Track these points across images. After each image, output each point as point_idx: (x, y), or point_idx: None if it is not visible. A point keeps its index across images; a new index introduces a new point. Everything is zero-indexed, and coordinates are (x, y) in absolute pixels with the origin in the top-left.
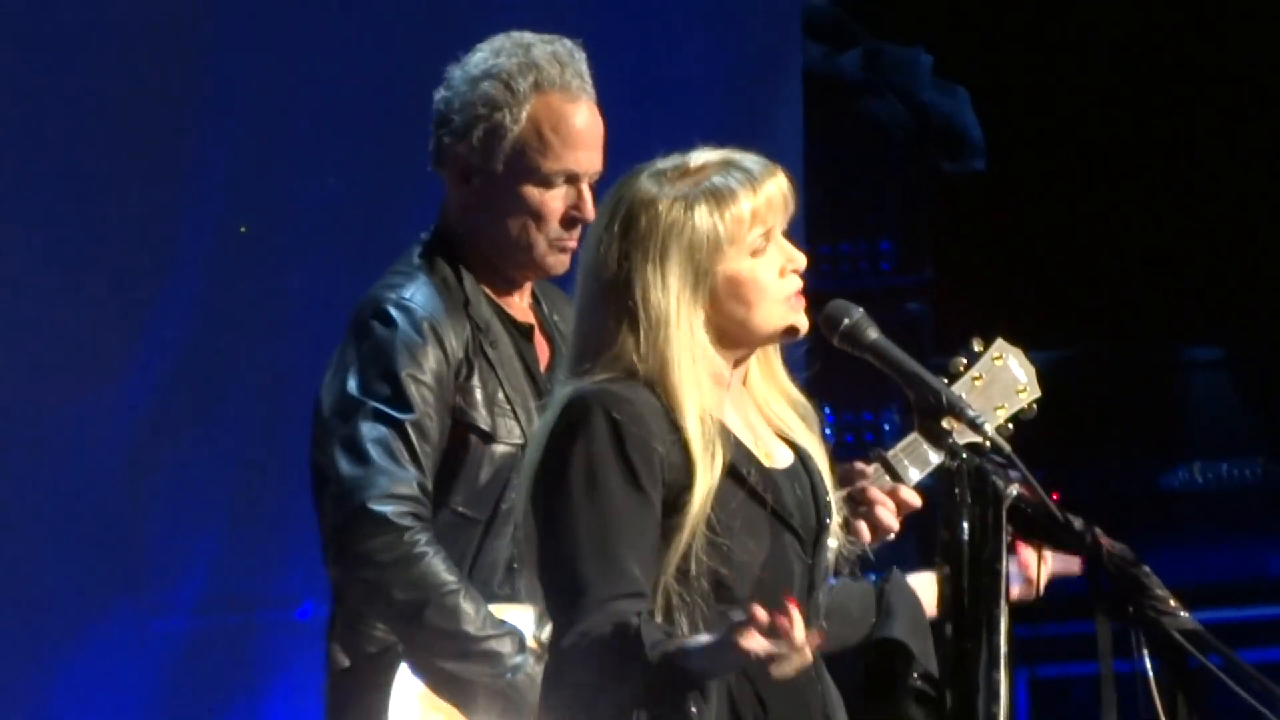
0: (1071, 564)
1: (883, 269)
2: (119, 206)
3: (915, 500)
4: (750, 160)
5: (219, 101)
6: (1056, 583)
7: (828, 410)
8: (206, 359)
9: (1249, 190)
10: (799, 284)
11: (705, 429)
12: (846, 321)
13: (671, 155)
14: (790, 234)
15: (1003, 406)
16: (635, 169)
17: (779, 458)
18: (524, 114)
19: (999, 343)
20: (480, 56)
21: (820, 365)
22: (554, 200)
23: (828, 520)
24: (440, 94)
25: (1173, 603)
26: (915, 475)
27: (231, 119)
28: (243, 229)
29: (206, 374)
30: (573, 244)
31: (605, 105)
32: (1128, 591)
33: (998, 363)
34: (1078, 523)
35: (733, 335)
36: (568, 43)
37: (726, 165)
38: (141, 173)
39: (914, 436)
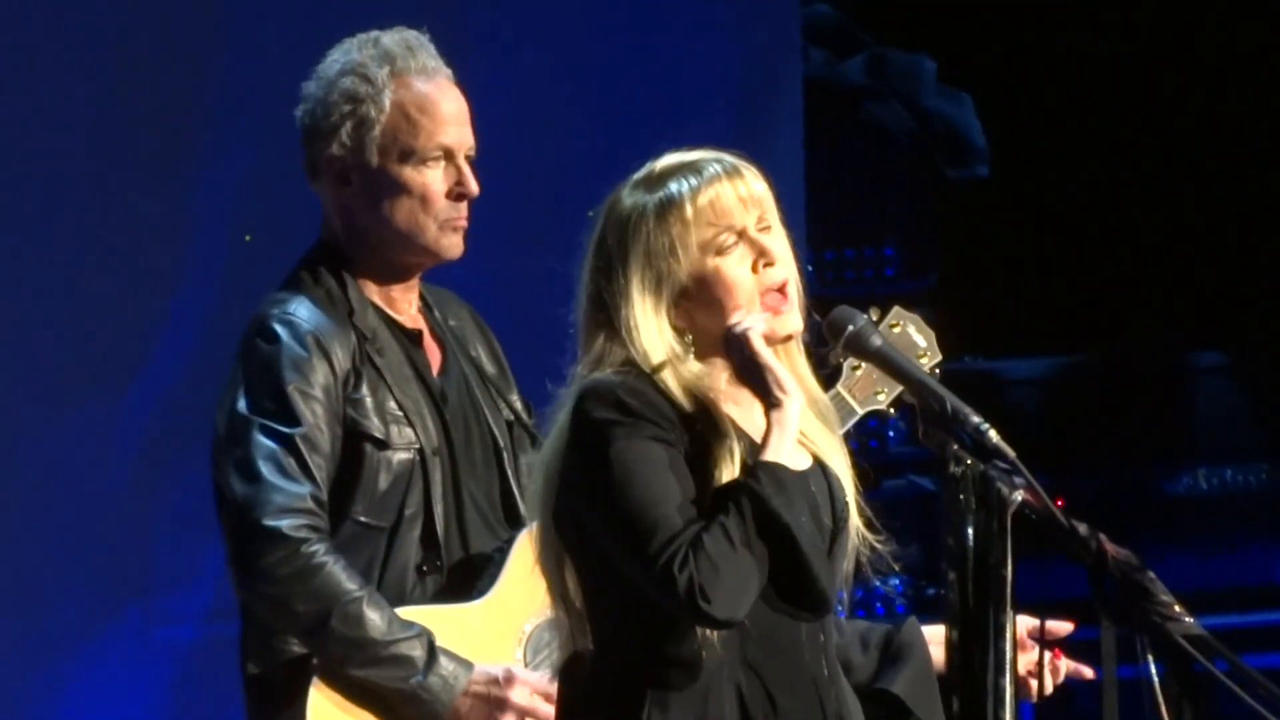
0: (1083, 670)
1: (887, 275)
2: (128, 215)
3: None
4: (709, 162)
5: (227, 110)
6: (1062, 589)
7: None
8: (215, 367)
9: (1255, 197)
10: (778, 277)
11: (705, 415)
12: (851, 329)
13: (649, 164)
14: (793, 238)
15: None
16: (621, 182)
17: (795, 460)
18: (387, 101)
19: (896, 309)
20: (331, 59)
21: (824, 366)
22: (435, 180)
23: (844, 524)
24: (301, 109)
25: (1177, 608)
26: None
27: (239, 127)
28: (248, 238)
29: (215, 383)
30: (463, 222)
31: (607, 111)
32: (1132, 597)
33: (895, 330)
34: (1082, 528)
35: (718, 336)
36: (413, 31)
37: (682, 170)
38: (149, 182)
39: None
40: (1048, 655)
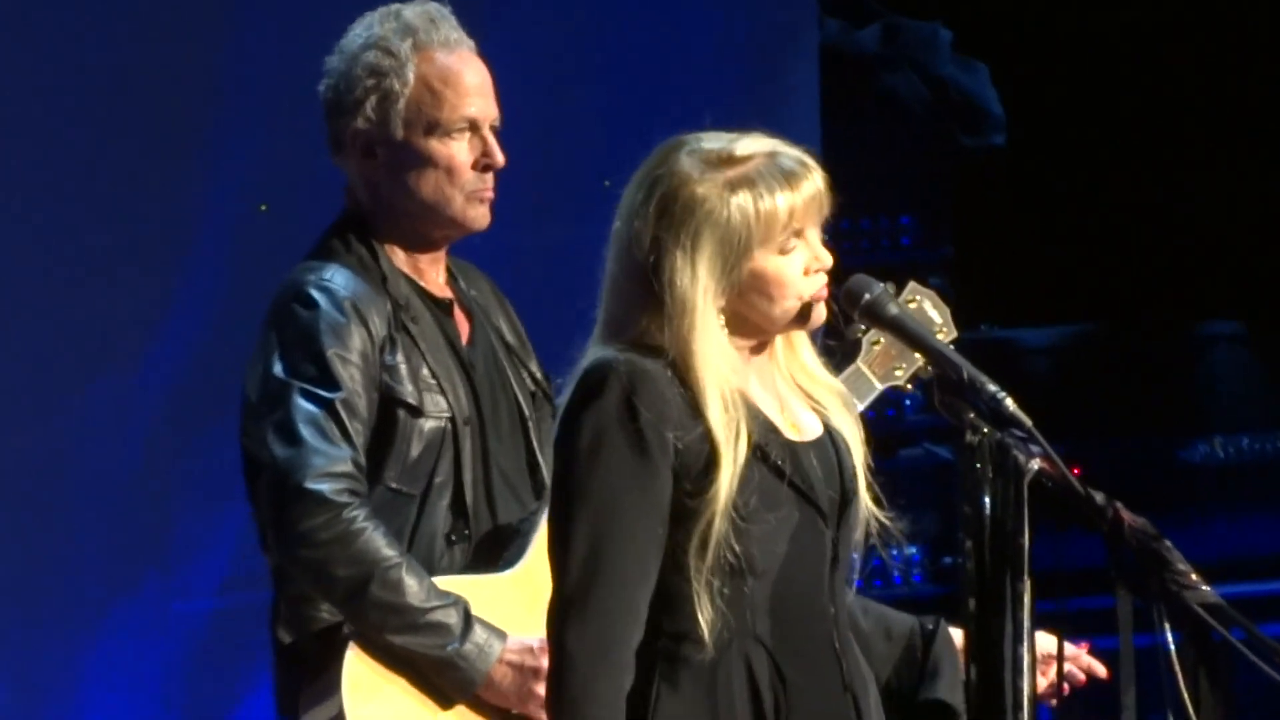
0: (1096, 667)
1: (903, 244)
2: (140, 187)
3: None
4: (792, 158)
5: (239, 80)
6: (1078, 557)
7: None
8: (230, 339)
9: (1271, 166)
10: (822, 283)
11: (729, 415)
12: (867, 296)
13: (714, 132)
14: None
15: None
16: (673, 142)
17: (806, 429)
18: (411, 74)
19: (912, 285)
20: (353, 34)
21: (843, 342)
22: (460, 152)
23: (853, 493)
24: (324, 84)
25: (1194, 577)
26: None
27: (251, 98)
28: (263, 208)
29: (229, 354)
30: (489, 194)
31: (622, 80)
32: (1149, 566)
33: (912, 305)
34: (1099, 498)
35: (752, 324)
36: (434, 3)
37: (770, 161)
38: (162, 153)
39: (843, 376)
40: (1075, 651)
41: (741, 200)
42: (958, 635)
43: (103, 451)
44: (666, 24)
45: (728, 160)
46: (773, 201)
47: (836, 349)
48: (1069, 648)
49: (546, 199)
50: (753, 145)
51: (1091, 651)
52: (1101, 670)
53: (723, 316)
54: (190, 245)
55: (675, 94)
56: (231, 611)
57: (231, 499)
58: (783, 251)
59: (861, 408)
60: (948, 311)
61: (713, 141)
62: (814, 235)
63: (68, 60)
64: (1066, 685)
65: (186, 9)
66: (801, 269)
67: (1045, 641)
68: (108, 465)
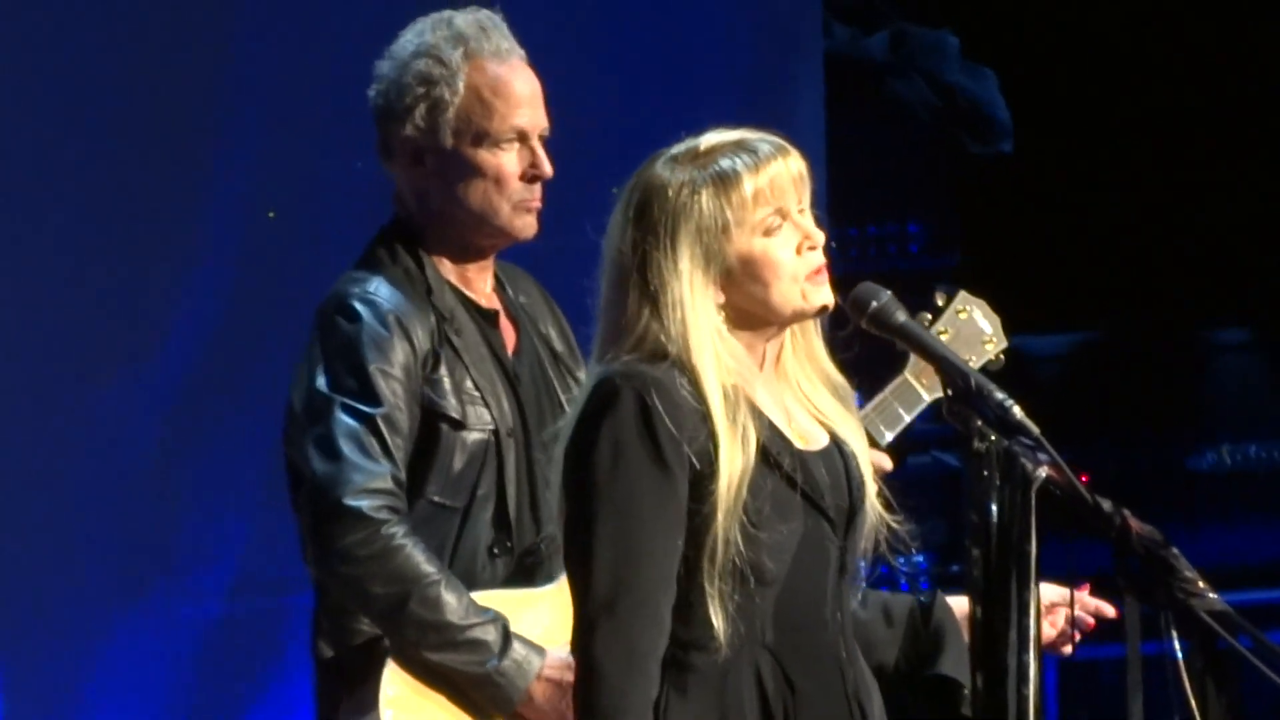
0: (1104, 608)
1: (911, 251)
2: (148, 192)
3: (886, 463)
4: (759, 141)
5: (246, 86)
6: (1086, 565)
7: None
8: (237, 344)
9: (1278, 172)
10: (819, 260)
11: (731, 407)
12: (874, 304)
13: (686, 139)
14: (817, 215)
15: (970, 359)
16: (654, 155)
17: (813, 439)
18: (461, 83)
19: (962, 295)
20: (405, 40)
21: (848, 349)
22: (509, 162)
23: (861, 503)
24: (374, 89)
25: (1201, 584)
26: (889, 435)
27: (258, 103)
28: (271, 214)
29: (237, 358)
30: (537, 204)
31: (627, 88)
32: (1156, 573)
33: (962, 315)
34: (1106, 505)
35: (756, 316)
36: (486, 11)
37: (734, 147)
38: (169, 158)
39: (885, 395)
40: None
41: (709, 187)
42: (956, 603)
43: (110, 456)
44: (671, 30)
45: (695, 156)
46: (738, 182)
47: (839, 346)
48: None
49: (546, 203)
50: (718, 137)
51: (1098, 629)
52: (1110, 610)
53: (723, 313)
54: (199, 251)
55: (680, 100)
56: (239, 616)
57: (239, 503)
58: (767, 233)
59: (909, 419)
60: (998, 321)
61: (681, 145)
62: (803, 216)
63: (73, 64)
64: (1077, 633)
65: (193, 13)
66: (793, 249)
67: (1051, 591)
68: (115, 469)
